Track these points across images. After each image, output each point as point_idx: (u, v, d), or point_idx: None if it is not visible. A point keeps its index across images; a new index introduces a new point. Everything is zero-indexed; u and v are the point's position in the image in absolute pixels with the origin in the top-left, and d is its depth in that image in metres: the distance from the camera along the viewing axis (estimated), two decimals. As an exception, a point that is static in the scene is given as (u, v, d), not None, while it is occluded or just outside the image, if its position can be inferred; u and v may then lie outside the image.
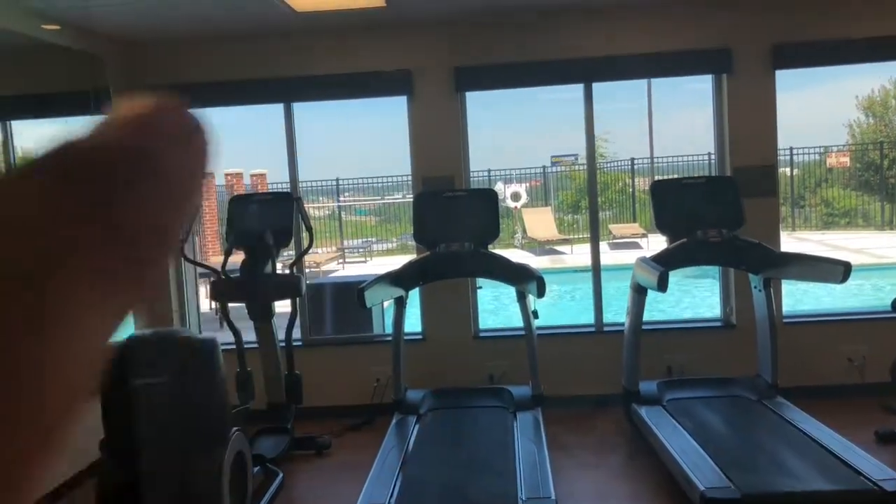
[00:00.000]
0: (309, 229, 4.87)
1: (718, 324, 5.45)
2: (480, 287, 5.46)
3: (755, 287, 4.63)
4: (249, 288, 4.67)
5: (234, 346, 4.71)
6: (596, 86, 5.31)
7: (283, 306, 4.84)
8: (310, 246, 4.99)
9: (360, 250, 14.65)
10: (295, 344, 4.90)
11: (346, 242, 14.89)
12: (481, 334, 5.47)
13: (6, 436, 0.23)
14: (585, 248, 6.86)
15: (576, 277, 10.25)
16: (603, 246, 5.81)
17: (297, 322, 4.92)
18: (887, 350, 4.61)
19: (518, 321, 4.78)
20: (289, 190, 5.52)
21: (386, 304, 5.42)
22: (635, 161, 15.46)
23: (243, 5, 4.56)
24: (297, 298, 4.81)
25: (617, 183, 15.79)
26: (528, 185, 15.73)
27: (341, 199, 15.74)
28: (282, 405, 4.77)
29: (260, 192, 12.20)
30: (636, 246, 12.64)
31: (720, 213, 4.56)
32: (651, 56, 5.15)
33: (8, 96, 4.97)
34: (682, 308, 9.27)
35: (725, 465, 3.55)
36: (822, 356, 5.12)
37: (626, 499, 4.02)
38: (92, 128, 0.27)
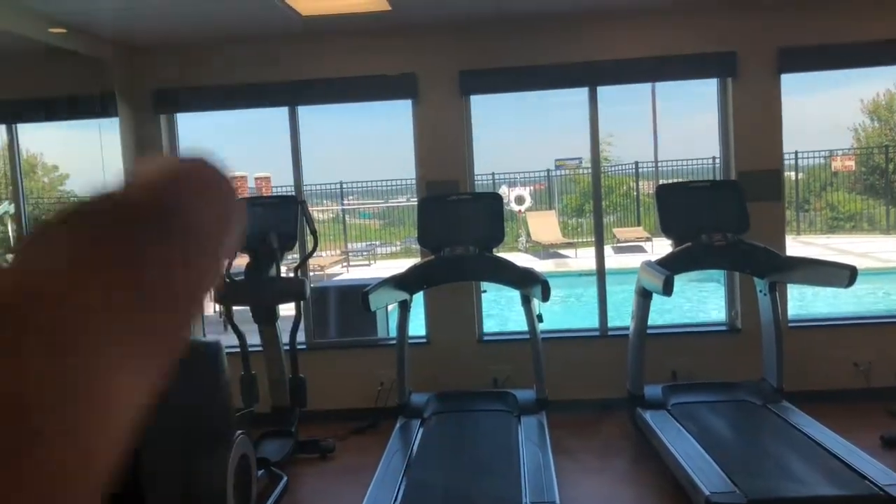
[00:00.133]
0: (313, 232, 4.88)
1: (723, 328, 5.43)
2: (485, 291, 5.46)
3: (760, 291, 4.62)
4: (254, 291, 4.67)
5: (238, 349, 4.71)
6: (601, 89, 5.31)
7: (287, 309, 4.85)
8: (314, 249, 5.00)
9: (365, 254, 14.65)
10: (299, 347, 4.90)
11: (350, 246, 14.90)
12: (485, 338, 5.46)
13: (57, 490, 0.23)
14: (590, 252, 6.85)
15: (580, 281, 10.24)
16: (607, 250, 5.79)
17: (302, 325, 4.92)
18: (893, 355, 4.60)
19: (518, 324, 4.77)
20: (293, 193, 5.52)
21: (390, 307, 5.42)
22: (640, 165, 15.46)
23: (248, 9, 4.57)
24: (302, 302, 4.81)
25: (621, 186, 15.75)
26: (532, 188, 15.71)
27: (346, 202, 15.74)
28: (286, 408, 4.78)
29: (264, 195, 12.22)
30: (640, 250, 12.62)
31: (725, 217, 4.55)
32: (656, 60, 5.14)
33: (14, 100, 5.00)
34: (683, 312, 9.25)
35: (731, 470, 3.54)
36: (828, 360, 5.09)
37: (630, 503, 4.02)
38: (119, 187, 0.27)
